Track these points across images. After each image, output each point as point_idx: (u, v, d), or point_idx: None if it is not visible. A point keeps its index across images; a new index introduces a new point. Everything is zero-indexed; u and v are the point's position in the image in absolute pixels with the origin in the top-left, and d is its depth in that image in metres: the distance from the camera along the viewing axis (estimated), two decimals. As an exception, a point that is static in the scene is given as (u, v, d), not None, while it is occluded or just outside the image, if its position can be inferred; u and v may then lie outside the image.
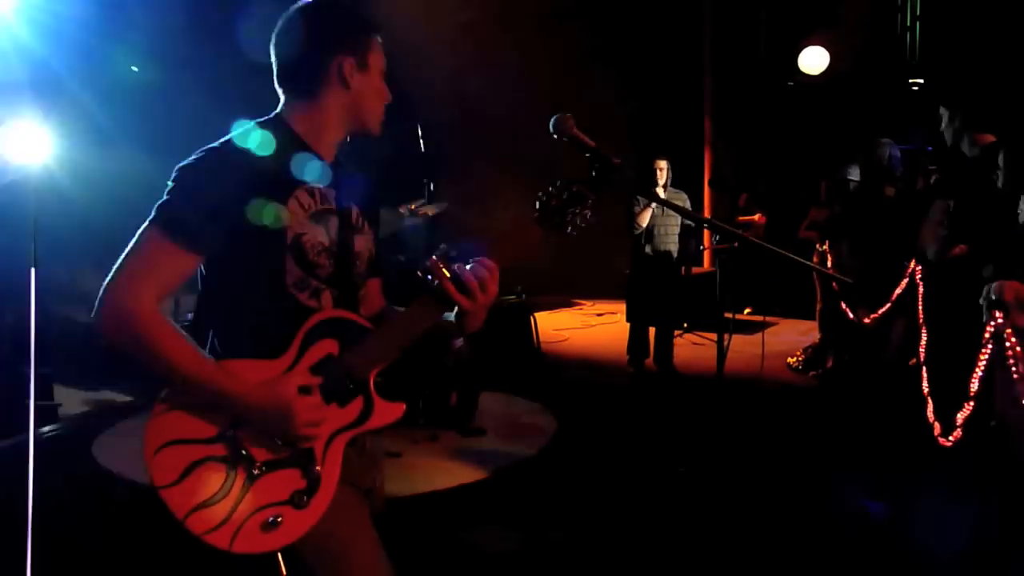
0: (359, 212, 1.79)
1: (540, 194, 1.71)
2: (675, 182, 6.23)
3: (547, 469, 4.44)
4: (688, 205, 6.28)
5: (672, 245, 6.13)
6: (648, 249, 6.09)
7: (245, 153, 1.61)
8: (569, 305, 10.48)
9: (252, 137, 1.65)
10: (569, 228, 1.70)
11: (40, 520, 3.77)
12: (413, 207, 5.56)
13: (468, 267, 1.65)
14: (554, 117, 1.77)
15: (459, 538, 3.60)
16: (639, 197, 5.88)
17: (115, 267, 1.54)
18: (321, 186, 1.69)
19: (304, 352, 1.62)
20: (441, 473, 4.16)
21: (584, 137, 1.75)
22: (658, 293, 6.11)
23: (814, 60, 8.19)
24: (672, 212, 5.94)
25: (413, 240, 5.76)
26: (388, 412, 1.67)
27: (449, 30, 8.91)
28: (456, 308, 1.65)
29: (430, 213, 5.62)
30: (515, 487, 4.19)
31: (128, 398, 5.76)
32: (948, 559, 3.25)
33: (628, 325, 6.42)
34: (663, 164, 6.10)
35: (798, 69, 8.31)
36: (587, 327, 9.06)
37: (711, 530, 3.54)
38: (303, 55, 1.69)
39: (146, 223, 1.57)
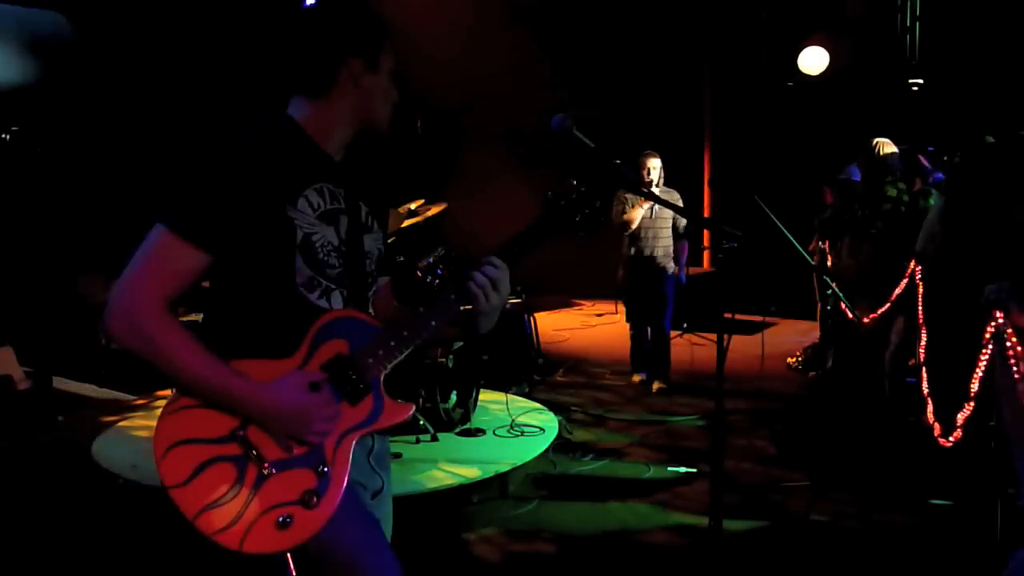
0: (368, 211, 1.79)
1: (549, 194, 1.71)
2: (670, 181, 5.88)
3: (547, 469, 4.44)
4: (680, 204, 5.88)
5: (661, 248, 5.81)
6: (633, 252, 5.79)
7: (255, 153, 1.60)
8: (569, 305, 10.48)
9: (262, 136, 1.65)
10: (579, 229, 1.70)
11: (40, 520, 3.78)
12: (413, 207, 5.54)
13: (480, 268, 1.65)
14: (555, 117, 1.77)
15: (459, 538, 3.60)
16: (628, 195, 5.56)
17: (126, 267, 1.55)
18: (331, 185, 1.69)
19: (314, 352, 1.62)
20: (441, 473, 4.16)
21: (584, 138, 1.76)
22: (650, 296, 5.86)
23: (814, 60, 8.19)
24: (663, 213, 5.73)
25: (413, 240, 5.75)
26: (397, 412, 1.67)
27: (451, 29, 8.91)
28: (469, 309, 1.65)
29: (430, 213, 5.61)
30: (515, 487, 4.19)
31: (128, 398, 5.77)
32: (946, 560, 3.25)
33: (627, 325, 6.37)
34: (654, 163, 5.68)
35: (798, 69, 8.30)
36: (587, 327, 9.07)
37: (711, 530, 3.54)
38: (314, 55, 1.69)
39: (156, 223, 1.57)
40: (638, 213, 5.64)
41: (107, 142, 7.44)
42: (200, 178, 1.58)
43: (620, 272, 6.04)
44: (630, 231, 5.71)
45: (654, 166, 5.67)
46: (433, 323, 1.67)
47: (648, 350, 6.17)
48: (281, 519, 1.54)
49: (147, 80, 7.33)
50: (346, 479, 1.61)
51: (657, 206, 5.68)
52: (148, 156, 7.04)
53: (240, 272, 1.62)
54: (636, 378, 6.28)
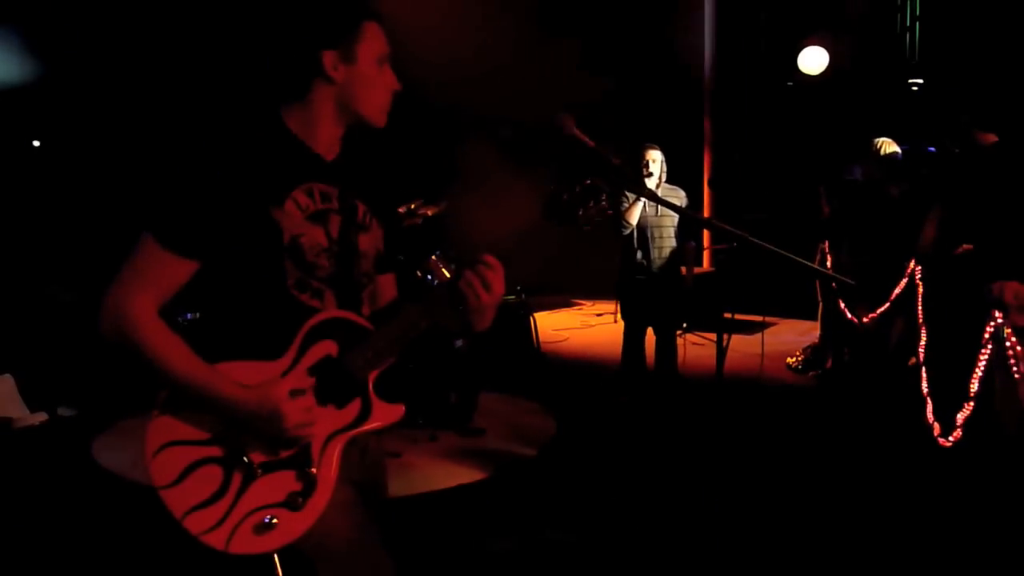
0: (366, 209, 1.76)
1: (552, 187, 1.68)
2: (672, 178, 5.49)
3: (547, 469, 4.44)
4: (685, 203, 5.60)
5: (668, 249, 5.45)
6: (640, 255, 5.39)
7: (238, 156, 1.59)
8: (569, 305, 10.48)
9: (246, 139, 1.63)
10: (582, 223, 1.68)
11: (40, 520, 3.78)
12: (412, 207, 5.52)
13: (472, 266, 1.64)
14: (554, 116, 1.75)
15: (459, 538, 3.60)
16: (627, 193, 5.09)
17: (117, 273, 1.56)
18: (322, 185, 1.67)
19: (303, 353, 1.62)
20: (441, 473, 4.16)
21: (584, 136, 1.74)
22: (655, 299, 5.46)
23: (814, 60, 8.18)
24: (668, 212, 5.35)
25: (413, 240, 5.73)
26: (387, 413, 1.67)
27: (448, 25, 8.91)
28: (461, 308, 1.64)
29: (429, 213, 5.60)
30: (515, 487, 4.18)
31: (127, 398, 5.75)
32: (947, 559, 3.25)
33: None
34: (654, 155, 5.28)
35: (798, 69, 8.30)
36: (587, 327, 9.06)
37: (711, 530, 3.54)
38: (286, 53, 1.66)
39: (142, 231, 1.57)
40: (636, 211, 5.30)
41: (95, 146, 7.46)
42: (184, 185, 1.58)
43: (624, 274, 5.57)
44: (628, 230, 5.37)
45: (654, 159, 5.29)
46: (423, 323, 1.66)
47: (640, 368, 5.65)
48: (266, 520, 1.55)
49: (133, 84, 7.34)
50: (334, 481, 1.61)
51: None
52: (134, 161, 7.05)
53: (230, 274, 1.62)
54: (623, 398, 5.66)
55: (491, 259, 1.65)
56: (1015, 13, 7.00)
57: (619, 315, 5.77)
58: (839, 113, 8.19)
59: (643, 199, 5.26)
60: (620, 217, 5.32)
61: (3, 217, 6.89)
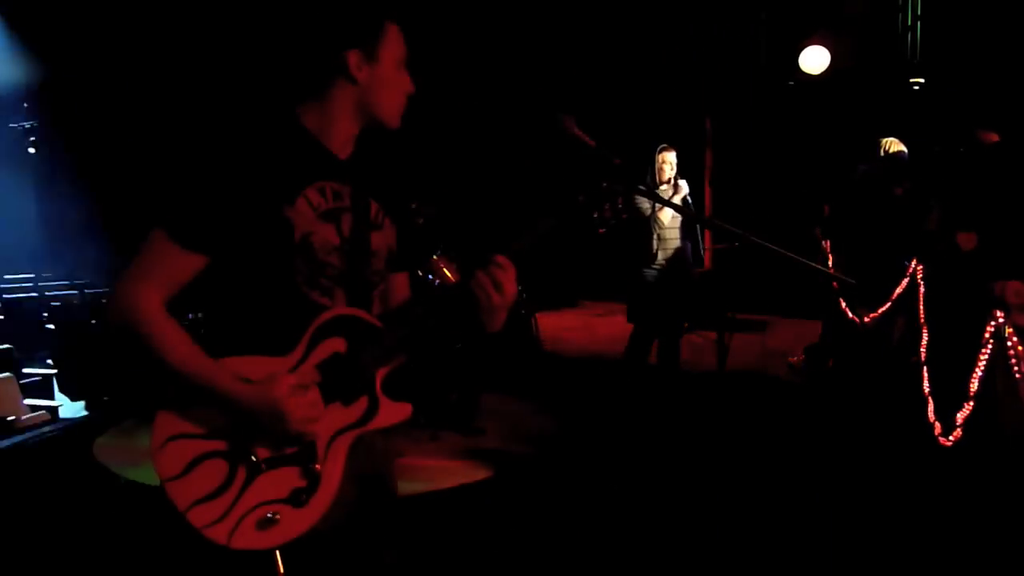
0: (379, 208, 1.75)
1: (566, 192, 1.67)
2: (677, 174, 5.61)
3: (547, 469, 4.44)
4: (687, 191, 5.64)
5: (676, 245, 5.56)
6: (659, 253, 5.49)
7: (253, 152, 1.59)
8: (573, 304, 10.48)
9: (259, 136, 1.62)
10: (597, 225, 1.67)
11: (40, 520, 3.78)
12: (413, 206, 5.50)
13: (484, 267, 1.63)
14: (554, 117, 1.75)
15: (459, 538, 3.60)
16: (640, 196, 5.03)
17: (127, 267, 1.56)
18: (334, 184, 1.66)
19: (312, 350, 1.61)
20: (441, 473, 4.16)
21: (585, 137, 1.74)
22: (666, 296, 5.57)
23: (814, 60, 8.18)
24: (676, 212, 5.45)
25: (413, 240, 5.70)
26: (394, 412, 1.66)
27: (450, 25, 8.91)
28: (472, 309, 1.63)
29: (430, 213, 5.58)
30: (515, 487, 4.18)
31: (130, 398, 5.76)
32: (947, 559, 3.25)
33: (629, 325, 6.25)
34: (671, 158, 5.46)
35: (798, 69, 8.30)
36: (590, 327, 9.07)
37: (711, 529, 3.54)
38: (308, 50, 1.66)
39: (154, 226, 1.57)
40: (668, 211, 5.37)
41: (100, 145, 7.46)
42: (194, 180, 1.58)
43: (633, 273, 5.63)
44: (662, 229, 5.43)
45: (673, 161, 5.46)
46: (431, 323, 1.65)
47: (642, 367, 5.73)
48: (269, 516, 1.55)
49: (148, 83, 7.34)
50: (339, 478, 1.60)
51: (675, 201, 5.50)
52: (145, 158, 7.05)
53: (240, 270, 1.61)
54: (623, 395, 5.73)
55: (502, 259, 1.63)
56: (1015, 13, 6.99)
57: (627, 316, 5.83)
58: (840, 113, 8.19)
59: (667, 198, 5.35)
60: (654, 219, 5.42)
61: (7, 216, 6.91)
